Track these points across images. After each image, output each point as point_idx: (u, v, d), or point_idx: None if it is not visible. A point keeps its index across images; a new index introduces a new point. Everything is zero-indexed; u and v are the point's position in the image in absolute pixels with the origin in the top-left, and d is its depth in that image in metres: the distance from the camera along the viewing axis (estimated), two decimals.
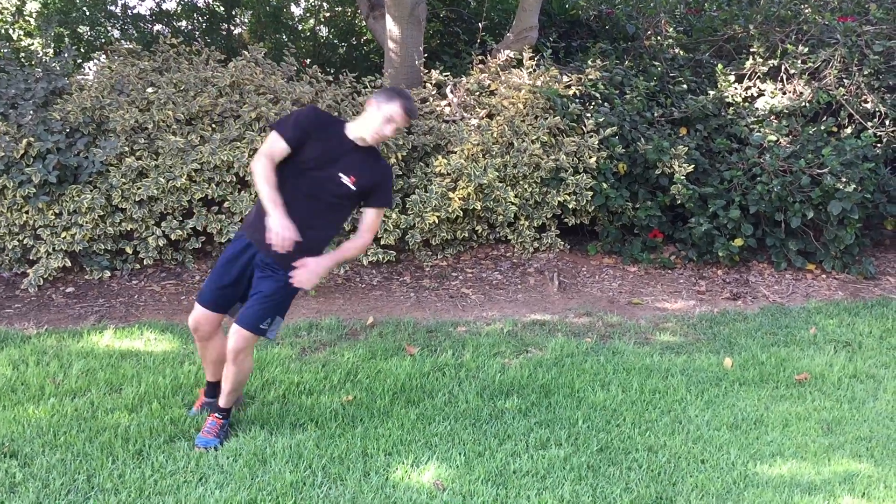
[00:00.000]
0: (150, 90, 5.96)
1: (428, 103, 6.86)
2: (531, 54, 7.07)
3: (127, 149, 5.66)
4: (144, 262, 5.80)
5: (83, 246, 5.58)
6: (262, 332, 3.38)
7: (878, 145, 6.80)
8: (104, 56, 7.74)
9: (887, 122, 6.86)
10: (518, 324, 5.30)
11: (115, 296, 5.55)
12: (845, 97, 7.01)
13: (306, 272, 3.28)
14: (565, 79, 6.87)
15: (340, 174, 3.32)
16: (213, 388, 3.71)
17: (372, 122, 3.30)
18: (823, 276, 6.50)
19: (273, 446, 3.45)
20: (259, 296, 3.37)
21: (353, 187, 3.33)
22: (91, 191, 5.55)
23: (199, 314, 3.52)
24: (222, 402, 3.53)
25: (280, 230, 3.09)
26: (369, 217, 3.46)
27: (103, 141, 5.63)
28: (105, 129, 5.76)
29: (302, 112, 3.35)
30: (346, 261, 3.44)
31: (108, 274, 5.74)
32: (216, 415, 3.53)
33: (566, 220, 6.64)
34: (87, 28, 10.10)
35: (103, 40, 9.93)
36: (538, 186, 6.40)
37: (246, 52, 6.62)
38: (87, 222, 5.54)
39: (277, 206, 3.15)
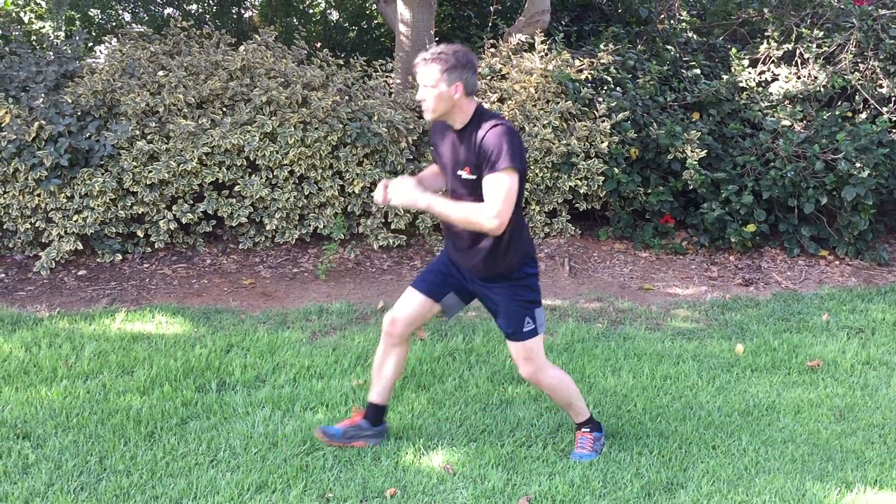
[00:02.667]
0: (160, 73, 5.95)
1: None
2: (543, 38, 7.01)
3: (138, 132, 5.66)
4: (156, 246, 5.81)
5: (95, 229, 5.60)
6: (532, 333, 3.23)
7: (894, 130, 6.73)
8: (115, 39, 7.74)
9: None
10: None
11: (126, 279, 5.56)
12: (860, 82, 6.94)
13: (401, 186, 3.05)
14: (577, 63, 6.82)
15: (459, 171, 3.09)
16: (376, 413, 3.43)
17: None
18: (837, 262, 6.45)
19: (284, 429, 3.46)
20: (501, 310, 3.24)
21: (472, 176, 3.04)
22: (102, 174, 5.56)
23: (393, 314, 3.38)
24: (575, 418, 3.44)
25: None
26: (484, 187, 3.01)
27: (114, 124, 5.63)
28: (116, 113, 5.76)
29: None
30: (450, 217, 3.03)
31: (119, 257, 5.75)
32: (582, 430, 3.43)
33: (577, 205, 6.61)
34: (98, 11, 10.10)
35: (114, 23, 9.92)
36: (549, 171, 6.37)
37: (257, 36, 6.60)
38: (98, 205, 5.55)
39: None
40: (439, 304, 3.34)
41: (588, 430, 3.43)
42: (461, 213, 3.01)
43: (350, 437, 3.38)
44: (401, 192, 3.05)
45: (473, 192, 3.04)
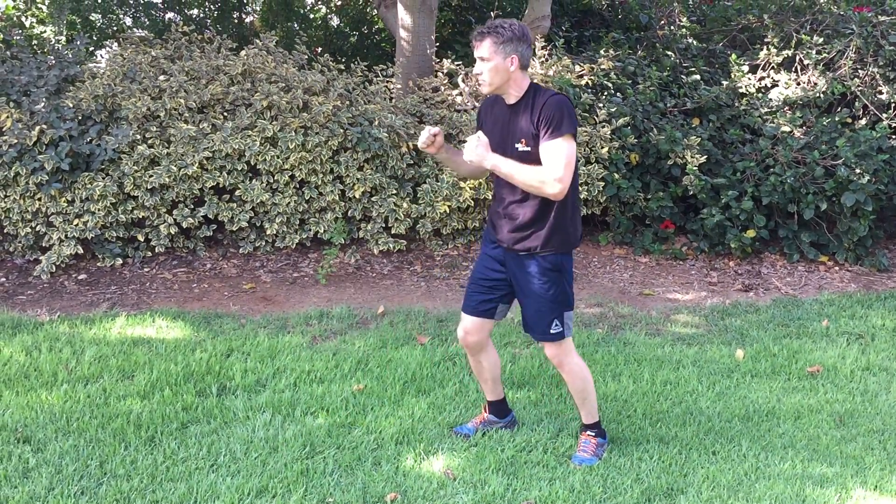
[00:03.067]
0: (162, 78, 5.96)
1: (440, 92, 6.84)
2: (543, 44, 7.04)
3: (139, 136, 5.67)
4: (156, 250, 5.82)
5: (95, 233, 5.60)
6: (559, 336, 3.24)
7: (893, 136, 6.74)
8: (116, 44, 7.75)
9: None
10: None
11: (126, 283, 5.57)
12: (860, 88, 6.95)
13: (478, 145, 3.10)
14: (578, 68, 6.83)
15: (516, 145, 3.11)
16: (497, 407, 3.61)
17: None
18: (836, 268, 6.46)
19: (284, 434, 3.46)
20: (530, 303, 3.27)
21: (528, 148, 3.07)
22: (103, 178, 5.57)
23: (464, 325, 3.47)
24: (584, 417, 3.43)
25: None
26: (542, 154, 3.04)
27: (115, 128, 5.64)
28: (117, 117, 5.77)
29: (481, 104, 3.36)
30: (517, 178, 3.06)
31: (119, 261, 5.75)
32: (588, 432, 3.43)
33: None
34: (100, 16, 10.11)
35: (115, 28, 9.94)
36: None
37: (258, 41, 6.62)
38: (99, 210, 5.55)
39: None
40: (492, 319, 3.44)
41: (594, 434, 3.43)
42: (526, 174, 3.03)
43: (486, 430, 3.58)
44: (472, 149, 3.10)
45: (536, 161, 3.06)
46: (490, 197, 6.11)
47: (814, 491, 3.21)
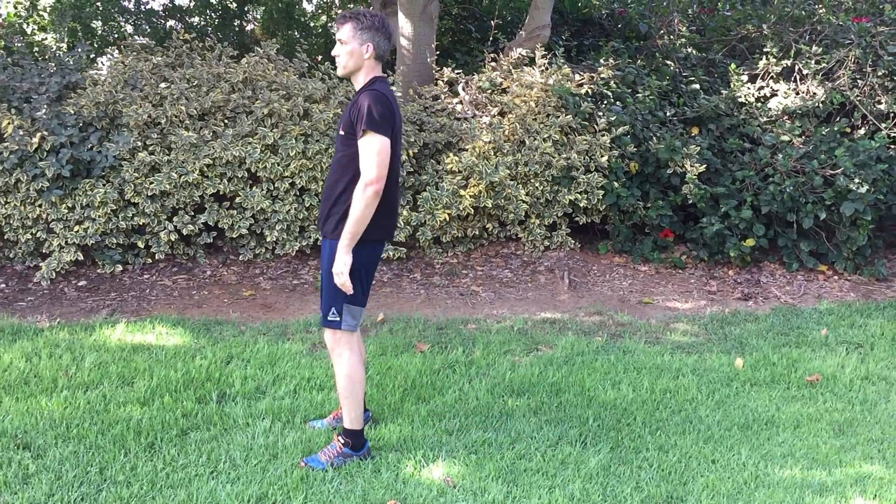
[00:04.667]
0: (163, 85, 5.98)
1: (440, 101, 6.86)
2: (543, 52, 7.06)
3: (140, 143, 5.68)
4: (156, 257, 5.82)
5: (95, 240, 5.61)
6: (335, 324, 3.23)
7: (892, 146, 6.76)
8: (117, 51, 7.77)
9: None
10: (528, 322, 5.30)
11: (126, 290, 5.57)
12: (859, 98, 6.98)
13: (335, 276, 3.11)
14: (577, 77, 6.86)
15: (340, 130, 3.21)
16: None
17: None
18: (835, 277, 6.47)
19: (284, 441, 3.46)
20: (322, 287, 3.31)
21: (342, 132, 3.18)
22: (104, 185, 5.58)
23: None
24: (344, 420, 3.35)
25: None
26: (359, 150, 3.10)
27: (116, 135, 5.66)
28: (118, 124, 5.79)
29: None
30: (361, 219, 3.05)
31: (120, 268, 5.76)
32: (339, 437, 3.34)
33: (577, 218, 6.63)
34: (101, 23, 10.13)
35: (116, 35, 9.96)
36: (549, 185, 6.39)
37: (258, 48, 6.64)
38: (99, 216, 5.56)
39: None
40: None
41: (344, 442, 3.32)
42: (355, 212, 3.06)
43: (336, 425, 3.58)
44: (337, 277, 3.10)
45: (345, 148, 3.17)
46: (489, 205, 6.13)
47: (813, 500, 3.21)
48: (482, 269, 6.31)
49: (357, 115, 3.08)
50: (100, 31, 10.07)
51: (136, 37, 9.60)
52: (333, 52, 3.22)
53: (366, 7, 10.33)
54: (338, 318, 3.24)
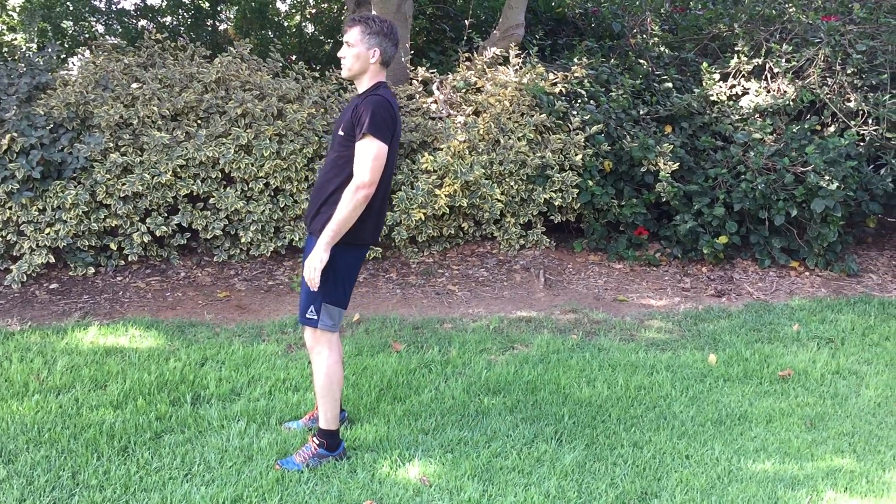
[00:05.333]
0: (134, 86, 5.93)
1: (414, 100, 6.86)
2: (517, 52, 7.08)
3: (111, 144, 5.63)
4: (129, 259, 5.77)
5: (67, 242, 5.55)
6: (312, 322, 3.22)
7: (861, 144, 6.85)
8: (88, 51, 7.69)
9: (870, 121, 6.91)
10: (504, 320, 5.32)
11: (99, 292, 5.52)
12: (829, 96, 7.06)
13: (306, 269, 3.10)
14: (551, 76, 6.88)
15: (339, 131, 3.21)
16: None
17: None
18: (807, 273, 6.55)
19: (259, 443, 3.45)
20: (301, 284, 3.27)
21: (341, 133, 3.19)
22: (75, 187, 5.52)
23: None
24: (320, 421, 3.32)
25: None
26: (355, 153, 3.12)
27: (87, 136, 5.60)
28: (89, 125, 5.73)
29: None
30: (346, 219, 3.07)
31: (92, 270, 5.70)
32: (314, 438, 3.33)
33: (552, 217, 6.66)
34: (71, 23, 10.03)
35: (87, 35, 9.86)
36: (524, 183, 6.42)
37: (231, 48, 6.60)
38: (71, 218, 5.50)
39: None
40: None
41: (319, 443, 3.31)
42: (341, 213, 3.07)
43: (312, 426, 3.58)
44: (309, 270, 3.10)
45: (342, 149, 3.17)
46: (464, 204, 6.14)
47: (785, 493, 3.25)
48: (458, 268, 6.32)
49: (358, 118, 3.09)
50: (70, 31, 9.97)
51: (107, 37, 9.51)
52: (339, 54, 3.22)
53: (339, 7, 10.31)
54: (315, 317, 3.22)
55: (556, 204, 6.47)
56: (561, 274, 6.34)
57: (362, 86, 3.24)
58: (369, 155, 3.06)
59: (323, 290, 3.18)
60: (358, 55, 3.18)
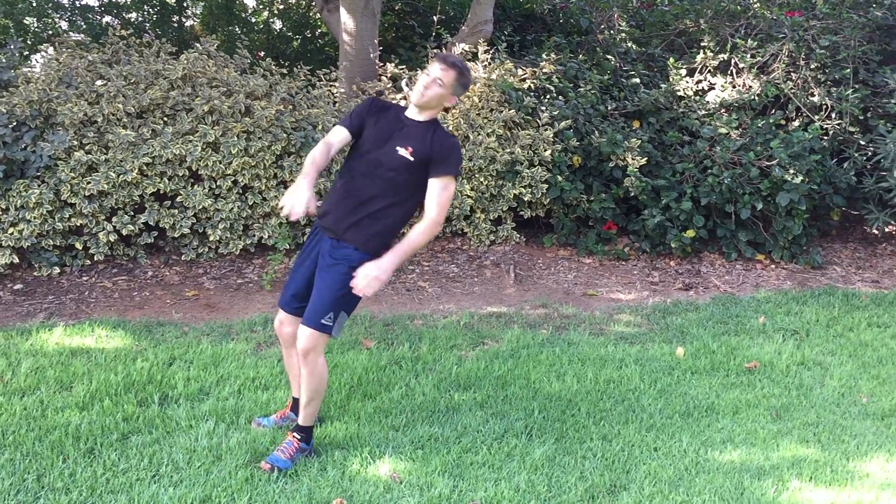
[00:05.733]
0: (99, 83, 5.85)
1: (384, 96, 6.84)
2: (486, 48, 7.09)
3: (76, 142, 5.55)
4: (95, 259, 5.70)
5: (31, 242, 5.46)
6: (326, 329, 3.21)
7: (825, 138, 6.95)
8: (51, 48, 7.58)
9: (833, 115, 7.02)
10: (474, 316, 5.33)
11: (64, 292, 5.45)
12: (793, 90, 7.16)
13: (367, 278, 3.07)
14: (520, 72, 6.90)
15: (397, 147, 3.24)
16: (298, 404, 3.50)
17: (417, 85, 3.28)
18: (772, 266, 6.63)
19: (228, 442, 3.43)
20: (321, 288, 3.25)
21: (410, 157, 3.22)
22: (39, 185, 5.44)
23: (279, 317, 3.49)
24: (301, 418, 3.35)
25: (290, 195, 3.02)
26: (431, 189, 3.22)
27: (51, 134, 5.52)
28: (53, 123, 5.64)
29: (361, 102, 3.46)
30: (416, 249, 3.28)
31: (57, 270, 5.62)
32: (294, 434, 3.35)
33: (522, 212, 6.68)
34: (34, 19, 9.86)
35: (51, 32, 9.71)
36: (494, 179, 6.43)
37: (198, 45, 6.53)
38: (35, 218, 5.42)
39: (305, 176, 3.10)
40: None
41: (300, 438, 3.36)
42: (416, 241, 3.21)
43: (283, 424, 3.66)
44: (367, 284, 3.09)
45: (404, 172, 3.23)
46: None
47: (752, 483, 3.30)
48: (428, 264, 6.32)
49: (442, 154, 3.21)
50: (33, 28, 9.81)
51: (70, 33, 9.38)
52: (423, 82, 3.26)
53: (307, 3, 10.25)
54: (330, 324, 3.23)
55: (526, 199, 6.50)
56: (531, 269, 6.36)
57: (423, 115, 3.31)
58: (448, 195, 3.22)
59: (346, 301, 3.23)
60: (442, 96, 3.26)
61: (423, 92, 3.24)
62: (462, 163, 3.30)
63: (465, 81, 3.29)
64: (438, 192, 3.21)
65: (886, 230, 7.33)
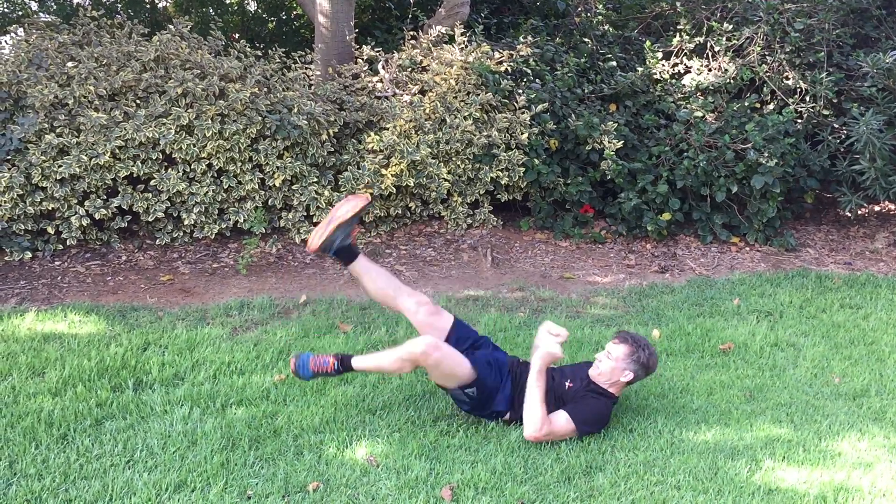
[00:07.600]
0: (70, 64, 5.76)
1: (360, 79, 6.79)
2: (463, 30, 7.05)
3: (46, 125, 5.47)
4: (67, 243, 5.63)
5: (2, 227, 5.39)
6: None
7: (799, 121, 7.00)
8: (21, 29, 7.44)
9: (807, 99, 7.06)
10: (452, 300, 5.33)
11: (36, 277, 5.38)
12: (768, 74, 7.19)
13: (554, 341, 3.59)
14: (497, 55, 6.87)
15: (567, 382, 3.62)
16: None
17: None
18: (747, 248, 6.69)
19: (203, 427, 3.41)
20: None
21: (568, 382, 3.60)
22: (9, 169, 5.35)
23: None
24: (356, 362, 3.54)
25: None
26: (560, 415, 3.48)
27: (21, 117, 5.43)
28: (23, 105, 5.55)
29: None
30: (536, 391, 3.47)
31: (29, 255, 5.55)
32: (337, 359, 3.54)
33: (499, 196, 6.68)
34: (3, 0, 9.68)
35: (20, 13, 9.53)
36: (471, 163, 6.41)
37: (171, 26, 6.44)
38: (5, 202, 5.34)
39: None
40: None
41: (337, 367, 3.55)
42: (535, 398, 3.44)
43: None
44: (555, 343, 3.54)
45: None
46: (411, 184, 6.11)
47: (725, 463, 3.33)
48: (405, 248, 6.31)
49: (586, 403, 3.50)
50: (2, 9, 9.63)
51: (40, 14, 9.21)
52: (598, 355, 3.61)
53: None
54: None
55: (503, 183, 6.49)
56: (508, 252, 6.37)
57: (601, 379, 3.56)
58: (560, 429, 3.43)
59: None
60: (614, 369, 3.52)
61: (597, 365, 3.60)
62: (587, 423, 3.53)
63: (639, 358, 3.54)
64: (560, 422, 3.47)
65: (859, 213, 7.40)
